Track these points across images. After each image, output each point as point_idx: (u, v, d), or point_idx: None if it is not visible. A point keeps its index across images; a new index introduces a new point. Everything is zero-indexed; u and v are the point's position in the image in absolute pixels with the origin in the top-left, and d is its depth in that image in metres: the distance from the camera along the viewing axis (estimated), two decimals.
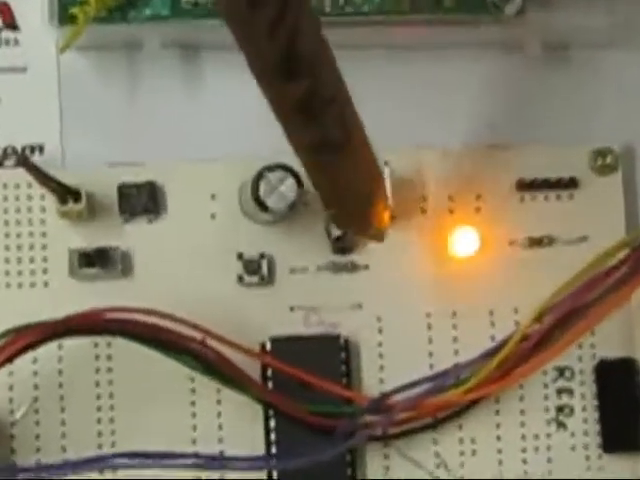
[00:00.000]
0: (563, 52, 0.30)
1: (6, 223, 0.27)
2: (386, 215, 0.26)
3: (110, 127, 0.28)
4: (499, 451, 0.26)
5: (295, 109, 0.19)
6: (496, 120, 0.29)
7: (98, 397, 0.26)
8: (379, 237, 0.27)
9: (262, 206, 0.26)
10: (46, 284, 0.26)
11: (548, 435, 0.27)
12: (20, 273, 0.26)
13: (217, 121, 0.29)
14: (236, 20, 0.16)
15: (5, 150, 0.28)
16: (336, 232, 0.26)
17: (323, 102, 0.19)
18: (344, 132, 0.21)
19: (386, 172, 0.26)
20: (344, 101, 0.21)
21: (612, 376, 0.27)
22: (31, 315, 0.25)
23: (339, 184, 0.23)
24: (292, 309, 0.27)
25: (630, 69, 0.29)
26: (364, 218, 0.25)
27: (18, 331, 0.25)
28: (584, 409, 0.27)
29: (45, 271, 0.26)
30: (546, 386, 0.27)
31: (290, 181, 0.25)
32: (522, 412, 0.27)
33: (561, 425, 0.26)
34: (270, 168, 0.26)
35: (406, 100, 0.28)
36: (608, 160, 0.27)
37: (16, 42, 0.29)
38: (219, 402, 0.26)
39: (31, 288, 0.27)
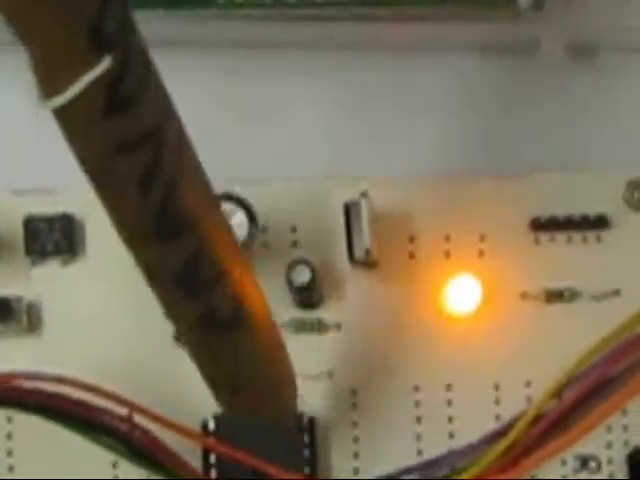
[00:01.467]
0: (589, 56, 0.25)
1: None
2: (293, 398, 0.22)
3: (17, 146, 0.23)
4: None
5: (175, 280, 0.17)
6: (505, 140, 0.24)
7: None
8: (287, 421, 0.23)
9: None
10: None
11: None
12: None
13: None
14: (105, 171, 0.14)
15: None
16: (300, 279, 0.21)
17: (211, 274, 0.17)
18: (235, 307, 0.18)
19: (363, 206, 0.20)
20: (237, 269, 0.18)
21: None
22: None
23: (230, 367, 0.20)
24: None
25: None
26: (264, 405, 0.21)
27: None
28: None
29: None
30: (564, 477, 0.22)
31: (240, 216, 0.20)
32: None
33: None
34: (221, 197, 0.21)
35: (394, 116, 0.23)
36: None
37: None
38: None
39: None
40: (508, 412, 0.21)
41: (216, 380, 0.20)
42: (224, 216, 0.17)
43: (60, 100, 0.13)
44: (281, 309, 0.22)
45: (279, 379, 0.21)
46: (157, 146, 0.15)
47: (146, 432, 0.20)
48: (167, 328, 0.22)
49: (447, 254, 0.22)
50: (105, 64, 0.13)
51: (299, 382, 0.21)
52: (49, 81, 0.13)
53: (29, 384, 0.20)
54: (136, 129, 0.14)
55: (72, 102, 0.13)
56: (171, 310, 0.18)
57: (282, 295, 0.22)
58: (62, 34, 0.13)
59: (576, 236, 0.22)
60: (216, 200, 0.17)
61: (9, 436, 0.21)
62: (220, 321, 0.18)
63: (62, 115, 0.14)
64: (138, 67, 0.14)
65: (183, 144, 0.16)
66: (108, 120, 0.14)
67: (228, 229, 0.18)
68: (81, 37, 0.13)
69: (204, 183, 0.16)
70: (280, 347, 0.20)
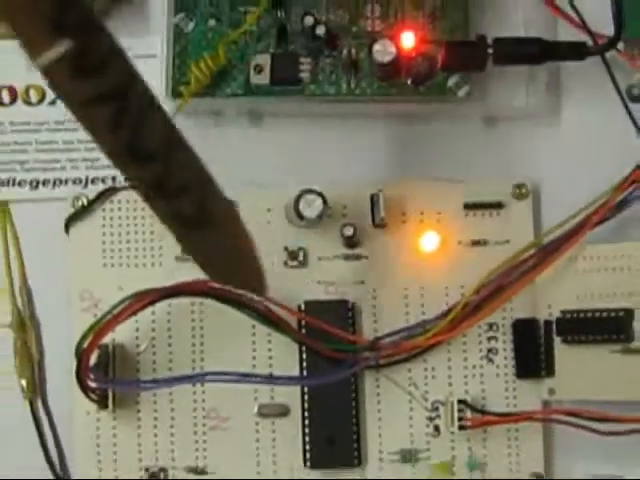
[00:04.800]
0: (491, 124, 0.42)
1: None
2: (261, 276, 0.29)
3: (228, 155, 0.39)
4: (449, 377, 0.38)
5: (148, 189, 0.22)
6: (454, 163, 0.41)
7: (193, 337, 0.38)
8: (259, 291, 0.31)
9: (300, 216, 0.37)
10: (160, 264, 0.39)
11: (481, 367, 0.38)
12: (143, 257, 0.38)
13: (280, 161, 0.40)
14: (80, 116, 0.19)
15: None
16: (347, 233, 0.38)
17: (177, 187, 0.21)
18: (202, 213, 0.22)
19: (380, 196, 0.38)
20: (202, 185, 0.23)
21: (522, 329, 0.38)
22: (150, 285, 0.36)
23: (202, 252, 0.25)
24: (319, 283, 0.39)
25: (539, 134, 0.41)
26: (234, 280, 0.28)
27: (142, 294, 0.36)
28: (504, 350, 0.39)
29: (160, 255, 0.38)
30: (480, 335, 0.39)
31: (319, 201, 0.37)
32: (465, 351, 0.38)
33: (490, 360, 0.38)
34: (306, 191, 0.37)
35: (394, 152, 0.41)
36: (523, 191, 0.39)
37: None
38: (270, 342, 0.38)
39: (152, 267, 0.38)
40: (452, 301, 0.38)
41: (200, 265, 0.26)
42: (190, 149, 0.22)
43: (37, 65, 0.18)
44: (336, 248, 0.39)
45: (246, 262, 0.27)
46: (121, 101, 0.19)
47: (271, 310, 0.36)
48: (280, 258, 0.39)
49: (421, 221, 0.39)
50: (64, 45, 0.17)
51: (347, 286, 0.38)
52: (28, 54, 0.17)
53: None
54: (100, 89, 0.18)
55: (45, 70, 0.17)
56: (151, 205, 0.22)
57: (338, 241, 0.38)
58: (31, 24, 0.17)
59: (486, 212, 0.39)
60: (179, 134, 0.21)
61: (201, 311, 0.37)
62: (189, 221, 0.22)
63: (44, 76, 0.18)
64: (101, 46, 0.18)
65: (145, 100, 0.20)
66: (75, 82, 0.18)
67: (194, 156, 0.22)
68: (44, 26, 0.17)
69: (166, 119, 0.21)
70: (246, 240, 0.26)
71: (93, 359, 0.36)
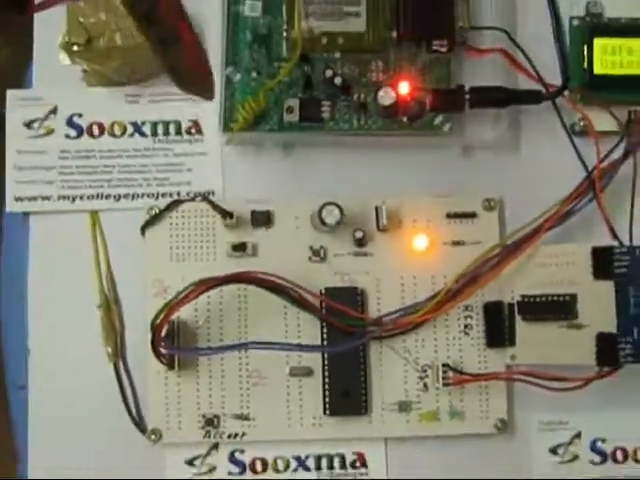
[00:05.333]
0: (470, 151, 0.50)
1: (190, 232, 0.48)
2: (211, 84, 0.42)
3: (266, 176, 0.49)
4: (435, 346, 0.48)
5: (140, 20, 0.35)
6: (439, 183, 0.49)
7: (238, 315, 0.47)
8: (207, 95, 0.43)
9: (323, 222, 0.47)
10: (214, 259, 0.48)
11: (460, 338, 0.48)
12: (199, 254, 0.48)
13: (306, 180, 0.49)
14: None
15: (195, 194, 0.49)
16: (358, 236, 0.47)
17: (159, 18, 0.34)
18: (176, 35, 0.36)
19: (383, 208, 0.47)
20: (177, 15, 0.36)
21: (491, 309, 0.48)
22: (206, 275, 0.45)
23: (175, 64, 0.37)
24: (335, 274, 0.48)
25: (504, 160, 0.50)
26: (192, 85, 0.42)
27: (201, 282, 0.45)
28: (477, 326, 0.48)
29: (214, 252, 0.48)
30: (459, 314, 0.48)
31: (337, 211, 0.46)
32: (447, 327, 0.48)
33: (466, 334, 0.48)
34: (327, 204, 0.47)
35: (393, 173, 0.50)
36: (491, 204, 0.49)
37: (202, 140, 0.50)
38: (298, 319, 0.47)
39: (207, 262, 0.48)
40: (437, 287, 0.47)
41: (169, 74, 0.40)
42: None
43: None
44: (349, 247, 0.48)
45: (201, 72, 0.40)
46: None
47: (300, 294, 0.46)
48: (305, 255, 0.48)
49: (414, 227, 0.48)
50: None
51: (357, 276, 0.47)
52: None
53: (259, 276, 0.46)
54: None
55: None
56: (143, 34, 0.36)
57: (350, 241, 0.48)
58: None
59: (464, 220, 0.48)
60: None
61: (245, 295, 0.47)
62: (167, 42, 0.36)
63: None
64: None
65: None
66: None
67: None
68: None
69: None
70: (202, 55, 0.40)
71: (163, 332, 0.45)
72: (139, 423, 0.48)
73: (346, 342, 0.47)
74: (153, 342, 0.45)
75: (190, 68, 0.38)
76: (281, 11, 0.49)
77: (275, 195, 0.49)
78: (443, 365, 0.48)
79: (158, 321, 0.44)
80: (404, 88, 0.47)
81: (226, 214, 0.47)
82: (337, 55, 0.49)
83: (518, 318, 0.48)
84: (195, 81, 0.39)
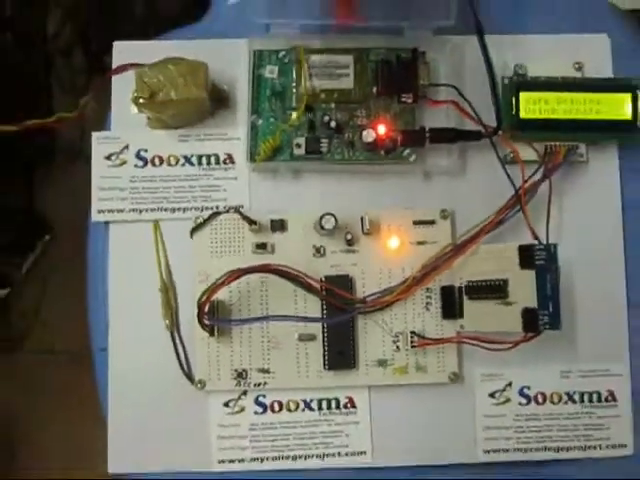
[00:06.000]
0: (430, 176, 0.62)
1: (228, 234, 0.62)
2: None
3: (281, 194, 0.63)
4: (405, 319, 0.61)
5: None
6: (407, 198, 0.61)
7: (261, 296, 0.60)
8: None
9: (322, 227, 0.59)
10: (243, 254, 0.62)
11: (423, 313, 0.61)
12: (235, 248, 0.62)
13: (311, 198, 0.61)
14: None
15: (229, 208, 0.61)
16: (348, 237, 0.61)
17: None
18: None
19: (366, 218, 0.60)
20: None
21: (446, 291, 0.60)
22: (236, 266, 0.58)
23: None
24: (332, 266, 0.61)
25: (455, 182, 0.61)
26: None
27: (233, 272, 0.57)
28: (436, 303, 0.61)
29: (242, 249, 0.61)
30: (422, 295, 0.60)
31: (333, 219, 0.60)
32: (413, 304, 0.61)
33: (428, 309, 0.61)
34: (326, 214, 0.59)
35: (374, 192, 0.62)
36: (445, 214, 0.61)
37: (234, 168, 0.62)
38: (305, 299, 0.60)
39: (238, 256, 0.61)
40: (408, 273, 0.60)
41: None
42: None
43: None
44: (342, 246, 0.61)
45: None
46: None
47: (306, 280, 0.60)
48: (310, 252, 0.63)
49: (389, 231, 0.61)
50: None
51: (348, 267, 0.61)
52: None
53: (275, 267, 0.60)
54: None
55: None
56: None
57: (343, 242, 0.61)
58: None
59: (427, 226, 0.61)
60: None
61: (266, 282, 0.60)
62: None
63: None
64: None
65: None
66: None
67: None
68: None
69: None
70: None
71: (206, 308, 0.57)
72: (189, 375, 0.61)
73: (340, 316, 0.60)
74: (199, 316, 0.57)
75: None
76: (292, 74, 0.62)
77: (288, 208, 0.61)
78: (411, 332, 0.60)
79: (202, 300, 0.57)
80: (381, 129, 0.60)
81: (252, 222, 0.60)
82: (332, 105, 0.62)
83: (465, 297, 0.59)
84: None
